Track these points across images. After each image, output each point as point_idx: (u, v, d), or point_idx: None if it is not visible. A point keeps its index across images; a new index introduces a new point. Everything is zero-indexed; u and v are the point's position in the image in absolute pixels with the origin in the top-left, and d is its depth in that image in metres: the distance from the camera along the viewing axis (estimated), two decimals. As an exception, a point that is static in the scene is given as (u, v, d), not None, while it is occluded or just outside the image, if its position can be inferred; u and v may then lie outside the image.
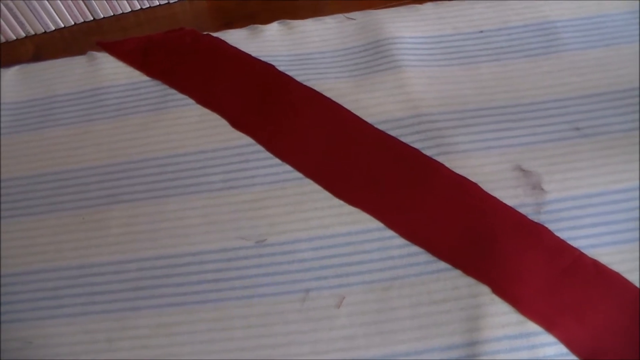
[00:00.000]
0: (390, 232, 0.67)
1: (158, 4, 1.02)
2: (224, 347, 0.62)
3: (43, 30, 1.02)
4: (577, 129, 0.72)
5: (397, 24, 0.86)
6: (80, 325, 0.65)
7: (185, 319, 0.64)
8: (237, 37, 0.88)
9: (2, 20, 0.98)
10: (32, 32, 1.02)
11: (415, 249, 0.66)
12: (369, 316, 0.63)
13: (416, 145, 0.73)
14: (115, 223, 0.71)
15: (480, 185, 0.69)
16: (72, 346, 0.63)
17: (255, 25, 0.89)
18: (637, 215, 0.66)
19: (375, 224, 0.68)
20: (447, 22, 0.85)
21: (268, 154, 0.75)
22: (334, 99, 0.79)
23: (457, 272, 0.64)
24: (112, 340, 0.63)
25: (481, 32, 0.83)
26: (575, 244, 0.65)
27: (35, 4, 0.99)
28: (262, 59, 0.84)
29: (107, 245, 0.70)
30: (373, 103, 0.77)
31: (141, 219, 0.71)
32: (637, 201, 0.66)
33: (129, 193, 0.74)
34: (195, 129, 0.78)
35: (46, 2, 0.99)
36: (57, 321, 0.65)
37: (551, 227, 0.66)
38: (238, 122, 0.78)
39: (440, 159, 0.71)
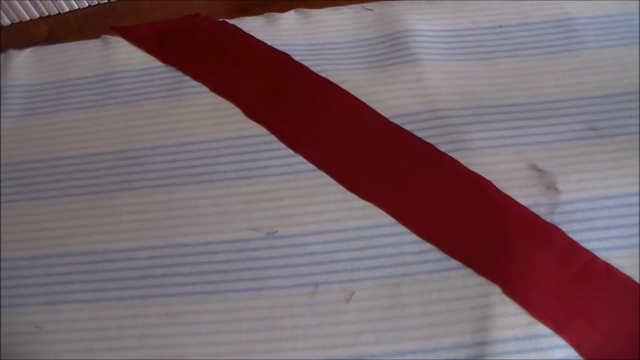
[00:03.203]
0: (402, 228, 0.67)
1: (174, -13, 1.01)
2: (231, 339, 0.62)
3: (57, 12, 1.01)
4: (594, 129, 0.71)
5: (415, 16, 0.85)
6: (91, 311, 0.65)
7: (194, 309, 0.64)
8: (253, 25, 0.87)
9: (16, 0, 0.98)
10: (46, 14, 1.01)
11: (427, 245, 0.65)
12: (378, 312, 0.62)
13: (431, 141, 0.72)
14: (127, 210, 0.71)
15: (495, 183, 0.68)
16: (82, 332, 0.64)
17: (272, 13, 0.88)
18: (651, 219, 0.65)
19: (388, 219, 0.67)
20: (466, 15, 0.84)
21: (281, 145, 0.74)
22: (349, 90, 0.78)
23: (469, 271, 0.63)
24: (121, 327, 0.63)
25: (500, 27, 0.82)
26: (588, 246, 0.64)
27: (50, -16, 0.98)
28: (278, 47, 0.84)
29: (117, 232, 0.70)
30: (389, 96, 0.77)
31: (152, 206, 0.71)
32: (652, 205, 0.66)
33: (140, 180, 0.73)
34: (208, 117, 0.78)
35: (61, -18, 0.99)
36: (67, 307, 0.65)
37: (564, 228, 0.65)
38: (252, 112, 0.77)
39: (455, 155, 0.70)
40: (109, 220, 0.71)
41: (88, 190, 0.74)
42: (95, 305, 0.65)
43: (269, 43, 0.84)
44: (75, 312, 0.65)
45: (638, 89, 0.74)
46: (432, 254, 0.65)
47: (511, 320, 0.60)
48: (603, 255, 0.63)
